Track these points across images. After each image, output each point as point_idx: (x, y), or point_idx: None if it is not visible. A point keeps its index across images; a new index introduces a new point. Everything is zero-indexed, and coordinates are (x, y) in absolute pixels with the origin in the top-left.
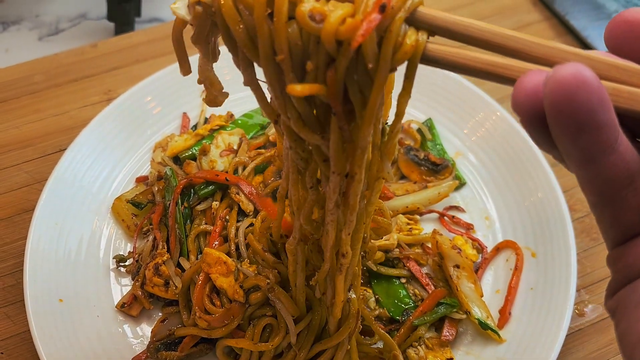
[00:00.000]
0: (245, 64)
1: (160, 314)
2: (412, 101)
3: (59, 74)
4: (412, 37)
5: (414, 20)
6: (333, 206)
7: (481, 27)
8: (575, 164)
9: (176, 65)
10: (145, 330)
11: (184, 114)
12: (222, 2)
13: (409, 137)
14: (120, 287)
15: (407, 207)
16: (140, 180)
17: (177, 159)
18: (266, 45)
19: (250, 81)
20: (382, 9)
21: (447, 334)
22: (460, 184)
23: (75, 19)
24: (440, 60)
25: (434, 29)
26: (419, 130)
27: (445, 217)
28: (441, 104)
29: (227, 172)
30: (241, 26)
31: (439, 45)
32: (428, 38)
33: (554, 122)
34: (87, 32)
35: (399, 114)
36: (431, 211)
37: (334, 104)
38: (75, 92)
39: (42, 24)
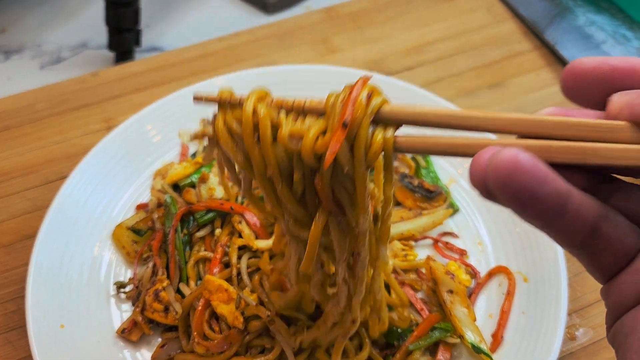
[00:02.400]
0: (245, 180)
1: (159, 339)
2: (406, 130)
3: (60, 102)
4: (379, 136)
5: (380, 119)
6: (342, 281)
7: (438, 113)
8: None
9: (176, 93)
10: (145, 355)
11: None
12: (220, 135)
13: (403, 165)
14: (121, 313)
15: (402, 234)
16: (141, 207)
17: (176, 187)
18: (259, 166)
19: (248, 193)
20: (345, 125)
21: (442, 358)
22: (454, 211)
23: (76, 48)
24: (409, 149)
25: (400, 122)
26: (413, 158)
27: (439, 243)
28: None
29: (227, 200)
30: (238, 152)
31: (406, 138)
32: (395, 132)
33: (501, 200)
34: (88, 61)
35: (387, 200)
36: (425, 237)
37: (325, 205)
38: (76, 120)
39: (44, 53)
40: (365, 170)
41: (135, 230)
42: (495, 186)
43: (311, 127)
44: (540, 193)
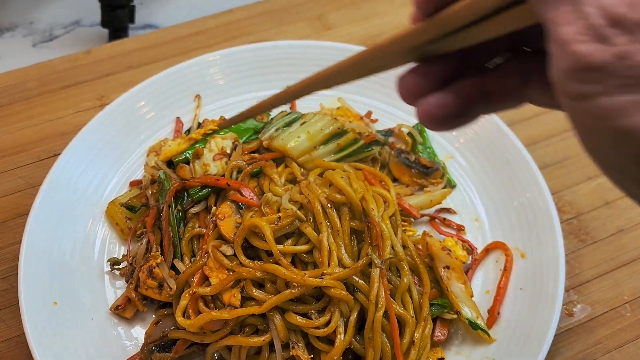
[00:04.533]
0: None
1: (154, 316)
2: (402, 105)
3: (52, 80)
4: None
5: None
6: None
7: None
8: None
9: (169, 70)
10: (139, 332)
11: (178, 118)
12: None
13: (400, 141)
14: (115, 290)
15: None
16: (134, 184)
17: (170, 163)
18: None
19: None
20: None
21: (439, 334)
22: (451, 186)
23: (69, 26)
24: None
25: None
26: (410, 134)
27: (437, 220)
28: None
29: (223, 175)
30: None
31: None
32: None
33: None
34: (81, 38)
35: None
36: (423, 215)
37: None
38: (68, 98)
39: (36, 31)
40: None
41: (128, 207)
42: None
43: None
44: None
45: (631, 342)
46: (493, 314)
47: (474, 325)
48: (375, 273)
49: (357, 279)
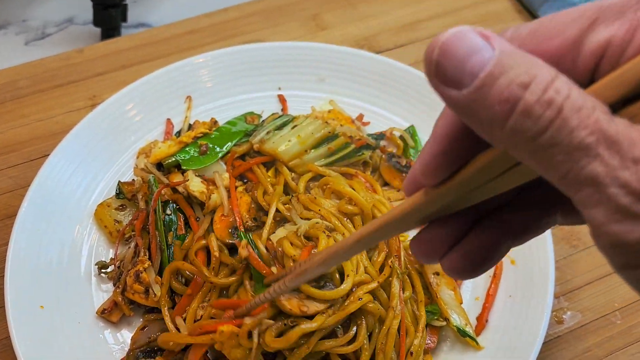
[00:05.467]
0: None
1: (141, 320)
2: (394, 108)
3: (44, 79)
4: None
5: None
6: None
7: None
8: None
9: (159, 71)
10: (126, 336)
11: (168, 120)
12: None
13: (391, 144)
14: (102, 294)
15: None
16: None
17: (160, 166)
18: None
19: None
20: None
21: (429, 341)
22: None
23: (61, 24)
24: None
25: None
26: (402, 137)
27: None
28: (423, 111)
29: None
30: None
31: None
32: None
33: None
34: (74, 37)
35: None
36: None
37: None
38: (60, 98)
39: (29, 29)
40: None
41: (119, 192)
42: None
43: None
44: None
45: (621, 349)
46: (481, 321)
47: (462, 333)
48: (397, 283)
49: (379, 290)
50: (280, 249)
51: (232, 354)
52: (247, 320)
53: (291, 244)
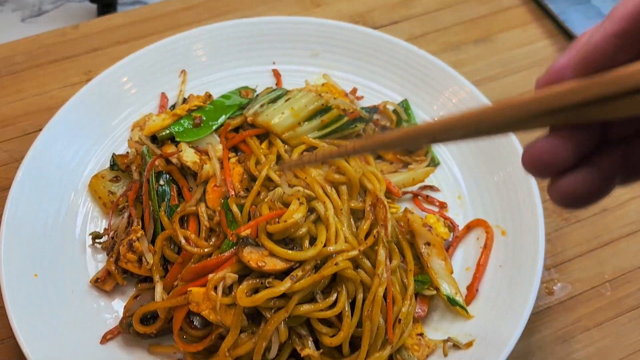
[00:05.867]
0: None
1: (135, 290)
2: (388, 82)
3: (40, 55)
4: None
5: None
6: None
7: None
8: None
9: (154, 45)
10: (119, 306)
11: (162, 93)
12: None
13: (384, 118)
14: (96, 264)
15: None
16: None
17: (154, 139)
18: None
19: None
20: None
21: (419, 310)
22: (434, 164)
23: (57, 1)
24: None
25: None
26: (395, 111)
27: (419, 197)
28: (417, 86)
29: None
30: None
31: None
32: None
33: None
34: (70, 13)
35: None
36: (405, 192)
37: None
38: (56, 73)
39: (25, 6)
40: None
41: (113, 163)
42: None
43: None
44: None
45: (610, 320)
46: (472, 291)
47: (452, 302)
48: (383, 252)
49: (362, 257)
50: (259, 212)
51: (212, 316)
52: (211, 276)
53: (270, 209)
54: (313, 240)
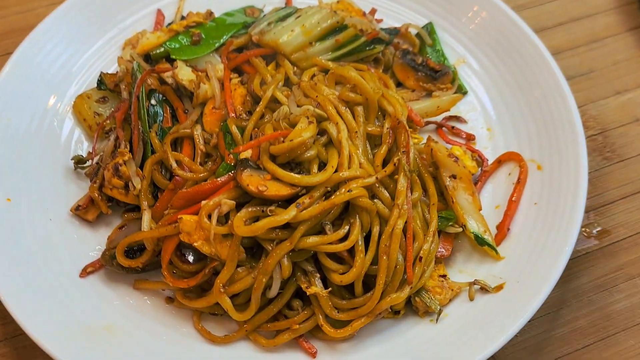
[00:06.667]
0: None
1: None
2: (411, 3)
3: None
4: None
5: None
6: None
7: None
8: None
9: None
10: (104, 237)
11: (159, 10)
12: None
13: (406, 41)
14: (79, 191)
15: None
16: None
17: (148, 58)
18: None
19: None
20: None
21: (442, 249)
22: (461, 93)
23: None
24: None
25: None
26: (418, 35)
27: (444, 128)
28: (442, 7)
29: None
30: None
31: None
32: None
33: None
34: None
35: None
36: (428, 122)
37: None
38: None
39: None
40: None
41: (100, 82)
42: None
43: None
44: None
45: None
46: (502, 230)
47: (480, 241)
48: (404, 181)
49: (379, 187)
50: (261, 133)
51: (205, 248)
52: (205, 202)
53: (274, 129)
54: (323, 166)
